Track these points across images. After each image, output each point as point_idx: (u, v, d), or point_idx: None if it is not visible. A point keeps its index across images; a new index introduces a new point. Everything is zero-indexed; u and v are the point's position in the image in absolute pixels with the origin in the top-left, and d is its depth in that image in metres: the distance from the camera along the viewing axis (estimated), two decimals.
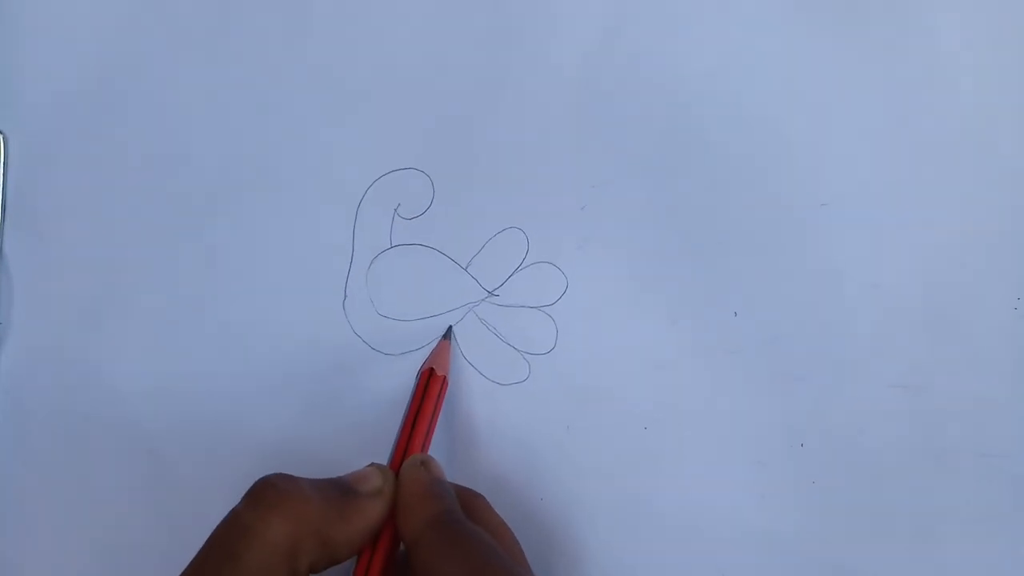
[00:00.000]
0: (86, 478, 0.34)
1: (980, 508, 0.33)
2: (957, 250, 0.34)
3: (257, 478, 0.33)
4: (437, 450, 0.33)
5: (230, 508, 0.33)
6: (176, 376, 0.34)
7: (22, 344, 0.35)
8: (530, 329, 0.34)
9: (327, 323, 0.34)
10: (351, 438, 0.34)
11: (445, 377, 0.32)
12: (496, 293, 0.34)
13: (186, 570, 0.26)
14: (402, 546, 0.28)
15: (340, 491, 0.27)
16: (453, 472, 0.33)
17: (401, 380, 0.34)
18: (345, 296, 0.34)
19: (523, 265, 0.34)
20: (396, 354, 0.34)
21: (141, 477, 0.34)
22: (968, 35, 0.35)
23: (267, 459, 0.34)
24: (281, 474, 0.26)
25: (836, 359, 0.33)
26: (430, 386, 0.31)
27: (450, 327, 0.34)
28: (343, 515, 0.26)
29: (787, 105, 0.35)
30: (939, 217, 0.34)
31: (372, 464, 0.29)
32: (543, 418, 0.33)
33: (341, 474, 0.28)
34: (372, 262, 0.34)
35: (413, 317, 0.34)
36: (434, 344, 0.34)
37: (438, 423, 0.32)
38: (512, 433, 0.33)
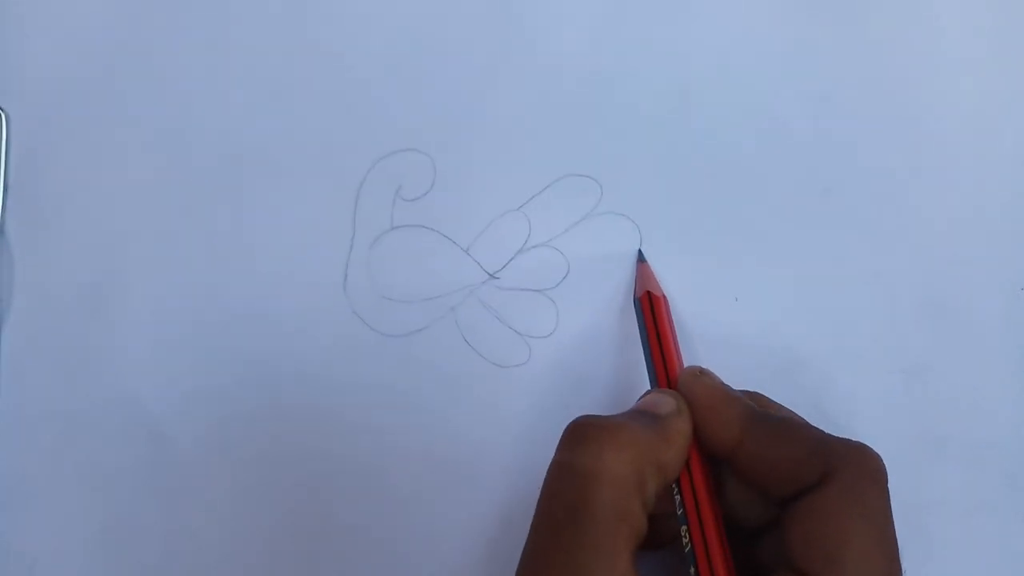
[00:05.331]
0: (87, 460, 0.34)
1: (972, 499, 0.33)
2: (959, 238, 0.34)
3: (259, 459, 0.33)
4: (435, 435, 0.33)
5: (231, 491, 0.33)
6: (177, 358, 0.34)
7: (24, 325, 0.35)
8: (531, 312, 0.34)
9: (328, 304, 0.34)
10: (352, 419, 0.33)
11: (664, 296, 0.31)
12: (497, 276, 0.34)
13: (532, 538, 0.24)
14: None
15: (650, 418, 0.26)
16: (455, 453, 0.33)
17: (400, 361, 0.34)
18: (346, 277, 0.34)
19: (524, 248, 0.34)
20: (397, 335, 0.34)
21: (142, 460, 0.34)
22: (970, 21, 0.35)
23: (267, 440, 0.34)
24: (590, 415, 0.25)
25: (835, 345, 0.34)
26: (656, 307, 0.30)
27: (639, 250, 0.34)
28: (666, 438, 0.26)
29: (789, 90, 0.35)
30: (941, 204, 0.34)
31: (651, 391, 0.28)
32: (543, 401, 0.33)
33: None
34: (373, 243, 0.34)
35: (414, 299, 0.34)
36: (437, 324, 0.34)
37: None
38: (511, 415, 0.33)
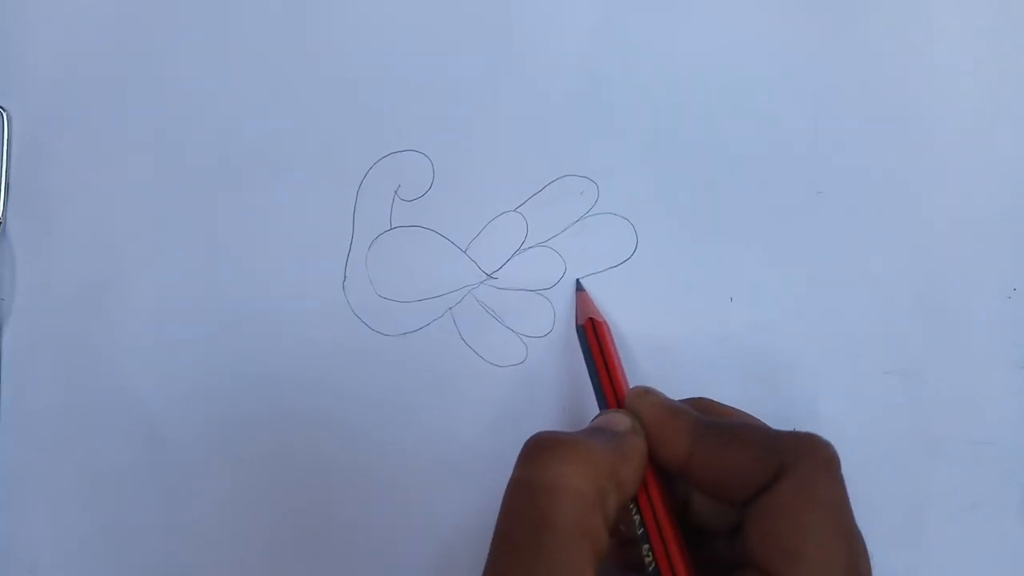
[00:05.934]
0: (87, 460, 0.34)
1: (969, 496, 0.33)
2: (952, 239, 0.34)
3: (259, 458, 0.34)
4: (433, 434, 0.34)
5: (230, 488, 0.34)
6: (176, 356, 0.35)
7: (24, 322, 0.35)
8: (528, 312, 0.34)
9: (327, 304, 0.34)
10: (350, 418, 0.34)
11: (605, 322, 0.32)
12: (495, 276, 0.34)
13: (493, 556, 0.24)
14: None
15: (608, 435, 0.26)
16: (451, 454, 0.34)
17: (399, 360, 0.34)
18: (345, 277, 0.34)
19: (522, 249, 0.34)
20: (394, 335, 0.34)
21: (142, 459, 0.34)
22: (969, 21, 0.35)
23: (267, 439, 0.34)
24: (548, 431, 0.25)
25: (830, 346, 0.34)
26: (600, 333, 0.31)
27: (577, 280, 0.34)
28: (624, 455, 0.26)
29: (787, 91, 0.35)
30: (939, 205, 0.34)
31: (603, 412, 0.29)
32: (539, 400, 0.33)
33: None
34: (372, 243, 0.34)
35: (412, 298, 0.34)
36: (437, 325, 0.34)
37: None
38: (508, 415, 0.34)
